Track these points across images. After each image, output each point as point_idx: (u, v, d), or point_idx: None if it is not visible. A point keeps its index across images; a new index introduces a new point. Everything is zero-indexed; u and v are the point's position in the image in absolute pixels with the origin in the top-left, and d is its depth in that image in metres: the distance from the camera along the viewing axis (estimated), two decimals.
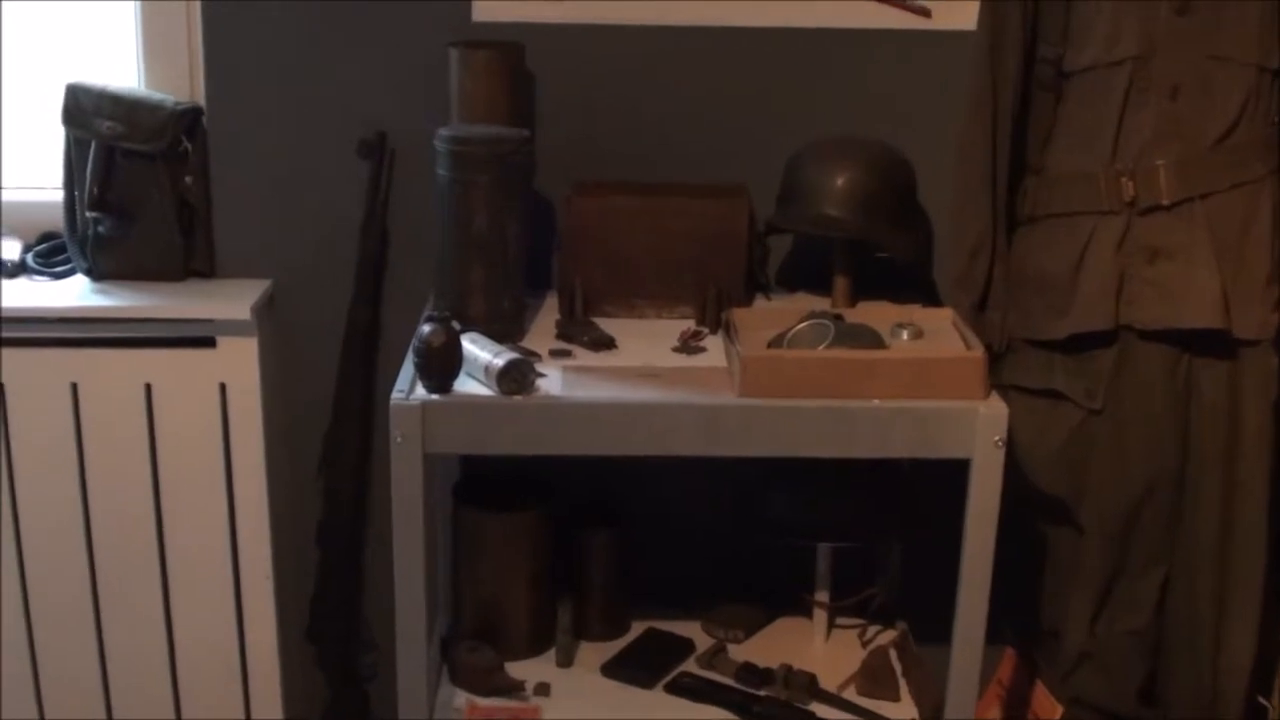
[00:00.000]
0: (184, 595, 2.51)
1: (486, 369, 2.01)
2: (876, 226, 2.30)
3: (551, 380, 2.07)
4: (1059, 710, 2.45)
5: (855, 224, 2.28)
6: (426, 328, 1.99)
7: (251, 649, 2.54)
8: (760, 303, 2.43)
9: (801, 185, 2.32)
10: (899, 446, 2.02)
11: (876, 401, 2.00)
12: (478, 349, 2.05)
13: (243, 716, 2.57)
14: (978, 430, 1.99)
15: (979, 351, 2.05)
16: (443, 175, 2.17)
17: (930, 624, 2.32)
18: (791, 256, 2.54)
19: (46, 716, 2.55)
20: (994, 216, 2.33)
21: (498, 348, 2.05)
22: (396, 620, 2.05)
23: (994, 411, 2.00)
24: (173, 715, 2.56)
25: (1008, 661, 2.61)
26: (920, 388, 2.00)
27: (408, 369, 2.05)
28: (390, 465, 1.97)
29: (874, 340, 2.09)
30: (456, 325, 2.05)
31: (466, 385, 2.04)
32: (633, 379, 2.09)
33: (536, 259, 2.41)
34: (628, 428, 1.99)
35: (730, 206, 2.35)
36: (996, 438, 1.99)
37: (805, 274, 2.50)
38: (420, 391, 2.01)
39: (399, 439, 1.97)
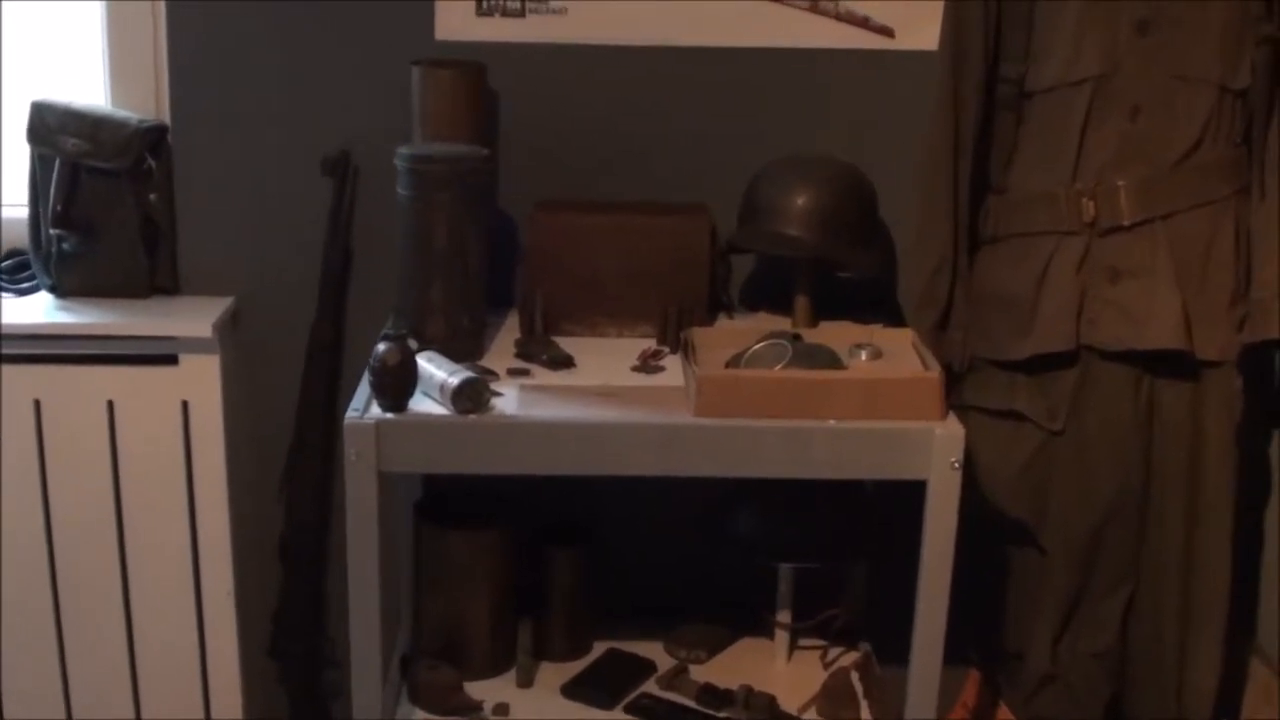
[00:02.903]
0: (146, 612, 2.50)
1: (441, 387, 2.01)
2: (836, 246, 2.29)
3: (508, 399, 2.07)
4: None
5: (814, 243, 2.28)
6: (382, 346, 1.99)
7: (213, 666, 2.53)
8: (722, 322, 2.43)
9: (761, 204, 2.31)
10: (855, 468, 2.02)
11: (833, 422, 1.99)
12: (433, 367, 2.04)
13: None
14: (934, 451, 1.98)
15: (936, 372, 2.05)
16: (403, 193, 2.17)
17: (894, 645, 2.29)
18: (754, 276, 2.54)
19: None
20: (955, 236, 2.32)
21: (453, 366, 2.04)
22: (351, 641, 2.05)
23: (951, 432, 1.99)
24: None
25: (972, 683, 2.59)
26: (876, 409, 2.00)
27: (364, 388, 2.04)
28: None
29: (831, 360, 2.09)
30: (412, 343, 2.05)
31: (423, 404, 2.03)
32: (589, 398, 2.09)
33: (500, 276, 2.40)
34: (582, 447, 1.99)
35: (692, 225, 2.36)
36: (953, 459, 1.98)
37: (768, 293, 2.50)
38: (375, 410, 2.00)
39: (353, 457, 1.96)
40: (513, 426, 2.00)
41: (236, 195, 2.49)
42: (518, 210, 2.45)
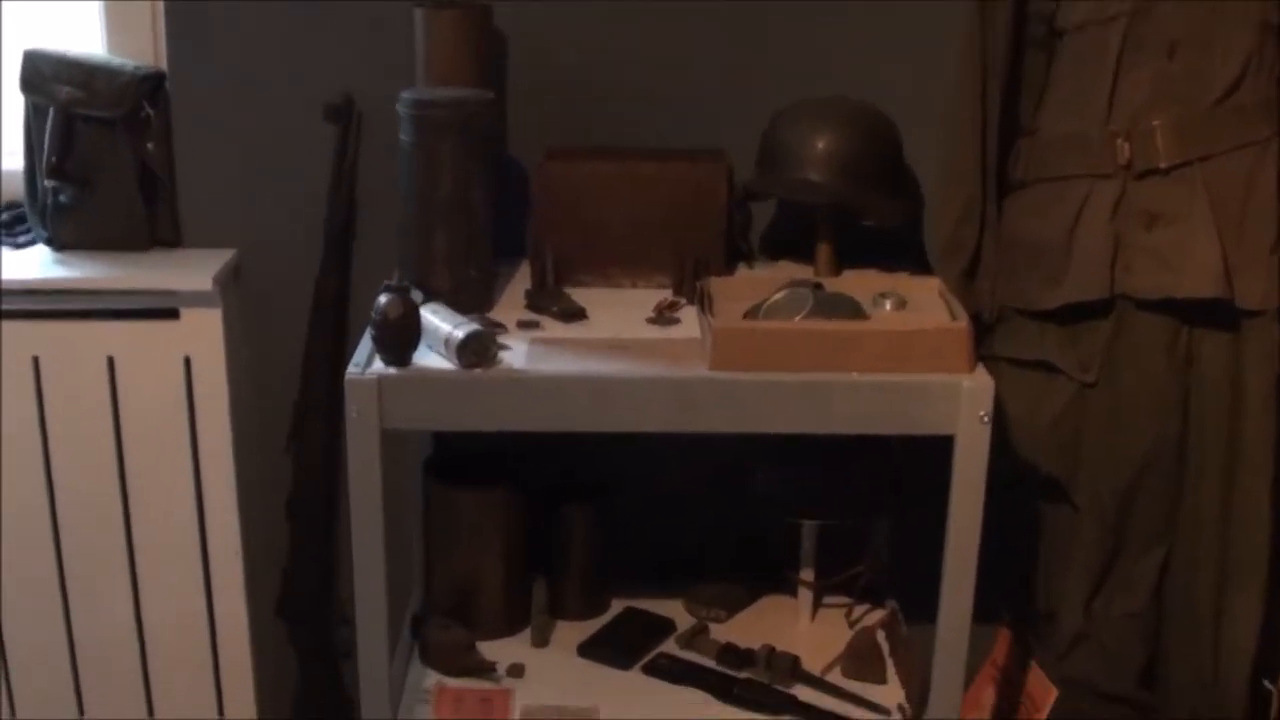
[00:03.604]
0: (151, 573, 2.45)
1: (446, 341, 1.93)
2: (860, 192, 2.21)
3: (516, 353, 1.99)
4: (1053, 693, 2.37)
5: (837, 189, 2.19)
6: (383, 298, 1.92)
7: (221, 627, 2.49)
8: (741, 271, 2.35)
9: (781, 149, 2.22)
10: (878, 423, 1.93)
11: (855, 375, 1.91)
12: (438, 320, 1.97)
13: (213, 696, 2.52)
14: (962, 405, 1.90)
15: (964, 322, 1.96)
16: (405, 140, 2.09)
17: (921, 602, 2.23)
18: (774, 223, 2.45)
19: (13, 694, 2.49)
20: (984, 180, 2.24)
21: (459, 319, 1.96)
22: (356, 603, 1.99)
23: (979, 385, 1.91)
24: (141, 695, 2.50)
25: (1002, 642, 2.52)
26: (901, 361, 1.91)
27: (365, 342, 1.97)
28: None
29: (854, 310, 2.00)
30: (416, 296, 1.98)
31: (427, 359, 1.96)
32: (601, 351, 2.01)
33: (509, 226, 2.32)
34: (592, 402, 1.91)
35: (709, 171, 2.27)
36: (982, 413, 1.90)
37: (789, 241, 2.41)
38: (378, 365, 1.93)
39: (354, 414, 1.89)
40: (520, 381, 1.92)
41: (237, 144, 2.41)
42: (528, 157, 2.36)
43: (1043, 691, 2.39)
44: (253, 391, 2.48)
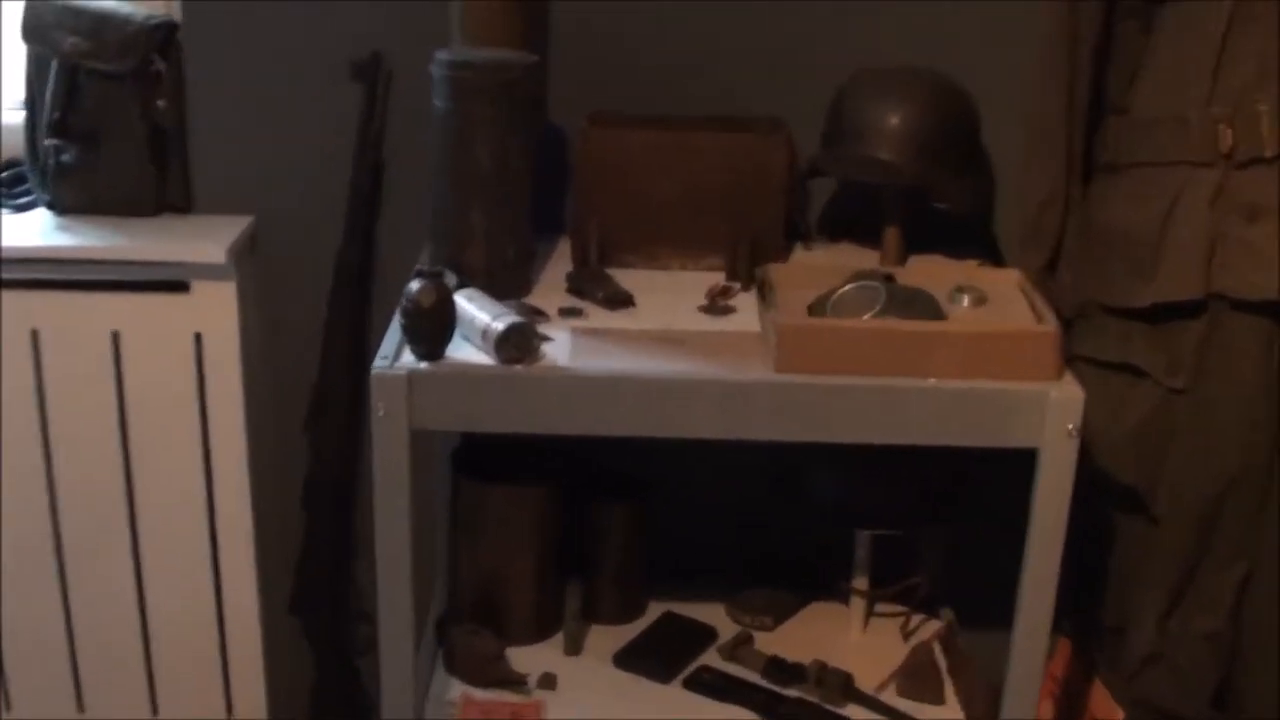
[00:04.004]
0: (157, 563, 2.32)
1: (484, 333, 1.76)
2: (935, 174, 2.04)
3: (559, 345, 1.82)
4: (1120, 716, 2.22)
5: (911, 170, 2.02)
6: (415, 284, 1.75)
7: (231, 620, 2.37)
8: (799, 254, 2.18)
9: (851, 123, 2.05)
10: (956, 434, 1.77)
11: (932, 381, 1.74)
12: (475, 309, 1.80)
13: (222, 695, 2.40)
14: (1048, 417, 1.74)
15: (1052, 325, 1.79)
16: (440, 105, 1.92)
17: (974, 608, 2.15)
18: (835, 201, 2.29)
19: (9, 687, 2.37)
20: (1069, 163, 2.07)
21: (498, 308, 1.79)
22: (380, 615, 1.85)
23: (1068, 395, 1.74)
24: (146, 694, 2.38)
25: (1061, 653, 2.37)
26: (983, 366, 1.74)
27: (394, 331, 1.80)
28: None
29: (931, 308, 1.83)
30: (450, 278, 1.81)
31: (462, 350, 1.79)
32: (652, 345, 1.84)
33: (548, 200, 2.16)
34: (643, 406, 1.75)
35: (768, 144, 2.10)
36: (1070, 426, 1.74)
37: (849, 221, 2.26)
38: (407, 358, 1.76)
39: (381, 413, 1.72)
40: (565, 380, 1.75)
41: (255, 102, 2.26)
42: (569, 124, 2.20)
43: (1109, 714, 2.25)
44: (268, 371, 2.35)
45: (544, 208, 2.10)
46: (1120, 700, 2.22)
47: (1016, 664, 1.88)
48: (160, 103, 2.24)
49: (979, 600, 2.22)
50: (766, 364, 1.77)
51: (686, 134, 2.10)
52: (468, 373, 1.75)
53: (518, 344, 1.75)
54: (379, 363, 1.74)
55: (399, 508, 1.76)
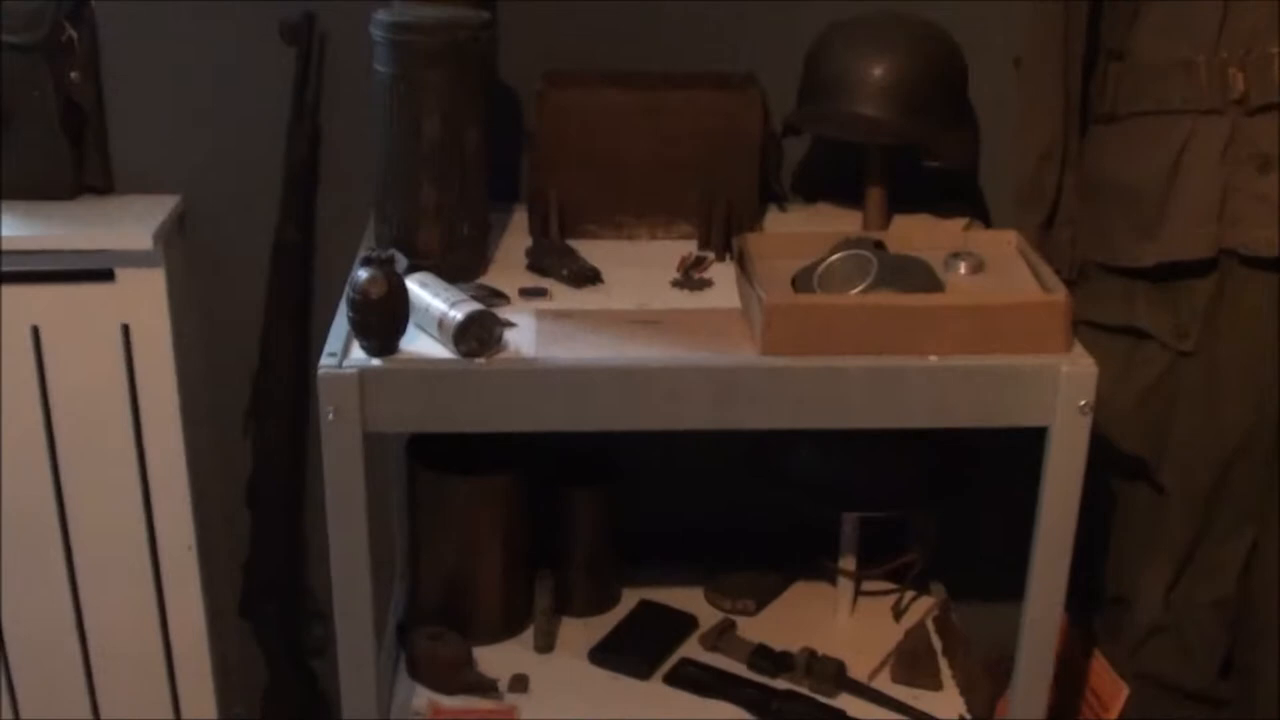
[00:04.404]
0: (94, 572, 2.18)
1: (441, 323, 1.60)
2: (922, 128, 1.90)
3: (523, 331, 1.67)
4: (1124, 691, 2.13)
5: (897, 126, 1.88)
6: (363, 273, 1.58)
7: (175, 629, 2.22)
8: (774, 217, 2.04)
9: (829, 77, 1.91)
10: (961, 415, 1.63)
11: (933, 359, 1.61)
12: (429, 295, 1.64)
13: (169, 698, 2.26)
14: (1059, 393, 1.61)
15: (1061, 294, 1.65)
16: (381, 71, 1.75)
17: (964, 580, 2.10)
18: (809, 159, 2.14)
19: None
20: (1066, 113, 1.94)
21: (455, 294, 1.64)
22: (337, 625, 1.70)
23: (1079, 369, 1.61)
24: (88, 712, 2.24)
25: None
26: (989, 341, 1.61)
27: (341, 324, 1.64)
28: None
29: (927, 278, 1.69)
30: (400, 261, 1.65)
31: (416, 342, 1.63)
32: (624, 328, 1.70)
33: (502, 166, 2.02)
34: (620, 398, 1.60)
35: (739, 102, 1.95)
36: (1082, 402, 1.61)
37: (826, 180, 2.12)
38: (357, 354, 1.60)
39: (331, 416, 1.57)
40: (534, 373, 1.60)
41: (178, 71, 2.09)
42: (523, 84, 2.05)
43: (1112, 688, 2.16)
44: (203, 362, 2.20)
45: (496, 175, 1.94)
46: (1123, 674, 2.13)
47: (1026, 654, 1.78)
48: (73, 75, 2.07)
49: (969, 571, 2.13)
50: (751, 344, 1.63)
51: (652, 93, 1.95)
52: (425, 369, 1.60)
53: (478, 335, 1.60)
54: (326, 361, 1.58)
55: (354, 515, 1.62)
